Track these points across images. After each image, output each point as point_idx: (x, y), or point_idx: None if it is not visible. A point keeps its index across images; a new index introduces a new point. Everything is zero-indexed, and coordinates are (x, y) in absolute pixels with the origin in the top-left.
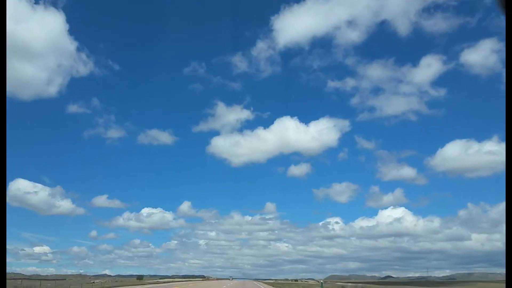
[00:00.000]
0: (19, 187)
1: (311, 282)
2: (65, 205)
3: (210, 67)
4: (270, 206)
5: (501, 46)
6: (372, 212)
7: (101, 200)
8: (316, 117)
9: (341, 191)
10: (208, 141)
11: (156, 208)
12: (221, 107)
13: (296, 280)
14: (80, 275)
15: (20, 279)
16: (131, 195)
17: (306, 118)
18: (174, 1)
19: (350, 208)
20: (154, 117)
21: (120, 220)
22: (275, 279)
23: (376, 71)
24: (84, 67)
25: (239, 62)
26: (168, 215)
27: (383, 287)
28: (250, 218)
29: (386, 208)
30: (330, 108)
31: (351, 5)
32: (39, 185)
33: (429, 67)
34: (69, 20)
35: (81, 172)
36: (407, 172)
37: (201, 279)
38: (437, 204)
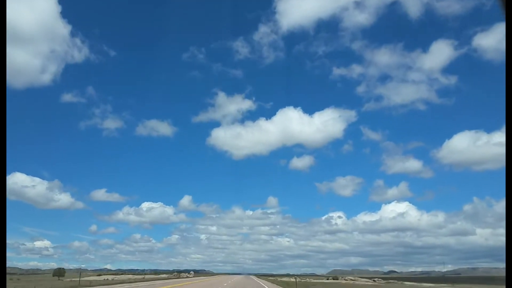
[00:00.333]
0: (16, 181)
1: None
2: (64, 199)
3: (209, 52)
4: (272, 200)
5: None
6: (376, 207)
7: (100, 194)
8: (320, 108)
9: (345, 185)
10: (208, 132)
11: (156, 202)
12: (221, 97)
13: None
14: (80, 269)
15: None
16: (131, 189)
17: (310, 109)
18: None
19: (353, 202)
20: (152, 106)
21: (120, 215)
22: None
23: (384, 57)
24: (78, 53)
25: (240, 48)
26: (169, 210)
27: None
28: (251, 212)
29: (389, 202)
30: (335, 97)
31: None
32: (37, 179)
33: (440, 53)
34: (61, 1)
35: (79, 165)
36: (413, 164)
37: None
38: (442, 199)
